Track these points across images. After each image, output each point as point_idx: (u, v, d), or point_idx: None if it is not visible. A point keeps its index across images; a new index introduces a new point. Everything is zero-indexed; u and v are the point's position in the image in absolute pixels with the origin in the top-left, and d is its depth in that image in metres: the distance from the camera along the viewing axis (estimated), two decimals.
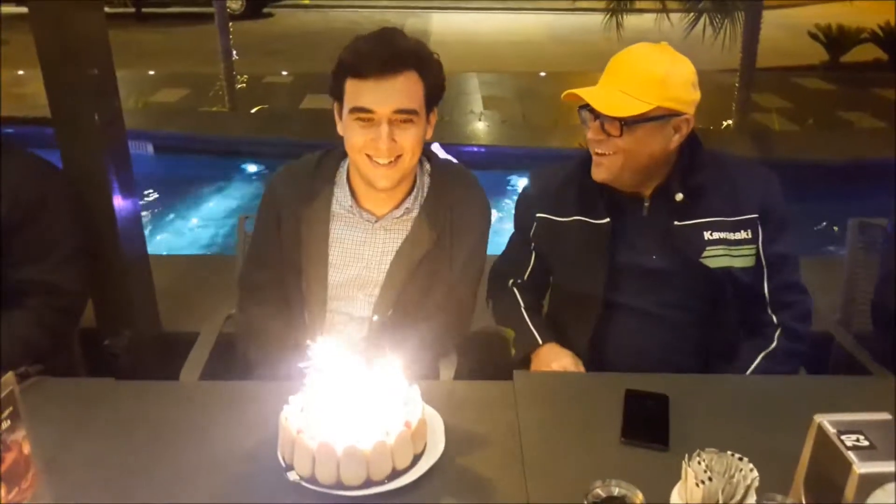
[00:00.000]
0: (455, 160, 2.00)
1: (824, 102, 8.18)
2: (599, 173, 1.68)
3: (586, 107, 1.64)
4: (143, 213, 5.30)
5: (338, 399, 1.27)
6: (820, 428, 1.08)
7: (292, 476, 1.23)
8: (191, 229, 5.37)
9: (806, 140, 6.72)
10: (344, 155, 1.74)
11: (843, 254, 2.21)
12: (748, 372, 1.69)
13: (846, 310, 2.16)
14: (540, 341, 1.79)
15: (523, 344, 1.81)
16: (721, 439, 1.19)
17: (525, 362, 1.80)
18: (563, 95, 1.65)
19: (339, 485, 1.21)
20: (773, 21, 6.10)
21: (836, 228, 4.60)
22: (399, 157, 1.59)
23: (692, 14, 5.93)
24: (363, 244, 1.72)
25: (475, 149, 6.41)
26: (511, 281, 1.94)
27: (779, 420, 1.40)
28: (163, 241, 5.17)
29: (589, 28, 7.03)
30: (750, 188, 1.71)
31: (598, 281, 1.73)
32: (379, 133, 1.55)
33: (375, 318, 1.71)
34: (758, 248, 1.70)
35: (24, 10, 2.14)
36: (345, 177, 1.74)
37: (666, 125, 1.61)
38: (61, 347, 1.92)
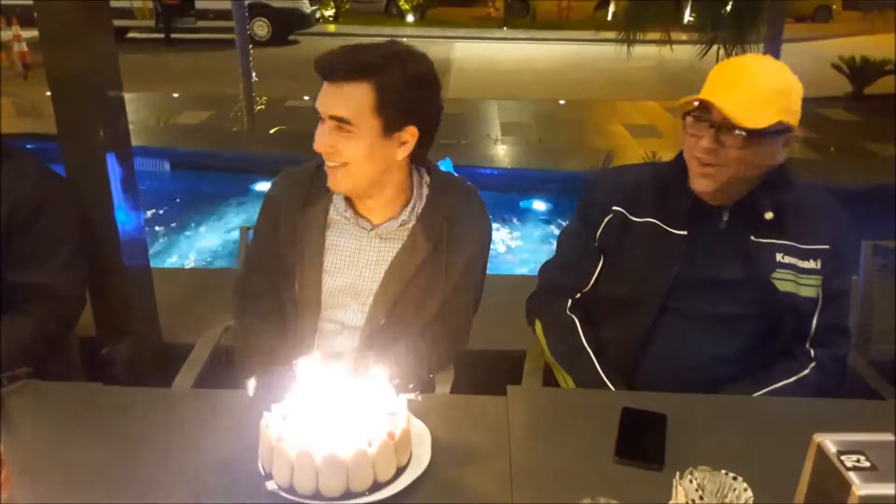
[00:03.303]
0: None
1: (848, 132, 8.13)
2: (705, 185, 1.59)
3: (691, 113, 1.57)
4: (159, 229, 5.37)
5: (321, 408, 1.24)
6: (819, 448, 1.03)
7: (271, 485, 1.19)
8: (203, 244, 5.39)
9: (825, 166, 6.63)
10: None
11: (857, 278, 2.14)
12: (772, 388, 1.63)
13: (861, 334, 2.08)
14: (613, 389, 1.68)
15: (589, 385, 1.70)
16: (719, 460, 1.13)
17: None
18: (682, 100, 1.56)
19: (319, 495, 1.17)
20: (796, 52, 6.03)
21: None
22: (345, 164, 1.57)
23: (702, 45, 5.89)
24: (358, 252, 1.70)
25: (490, 171, 6.38)
26: (570, 302, 1.78)
27: (782, 441, 1.32)
28: (176, 256, 5.19)
29: (612, 57, 7.02)
30: (826, 219, 1.66)
31: (660, 288, 1.66)
32: (317, 134, 1.58)
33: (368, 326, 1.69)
34: (821, 281, 1.64)
35: None
36: None
37: (779, 139, 1.56)
38: (57, 352, 1.90)
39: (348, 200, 1.70)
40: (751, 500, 1.02)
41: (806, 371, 1.65)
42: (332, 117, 1.54)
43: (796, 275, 1.63)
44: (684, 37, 6.91)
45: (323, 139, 1.56)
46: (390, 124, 1.55)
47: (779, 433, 1.39)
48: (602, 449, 1.34)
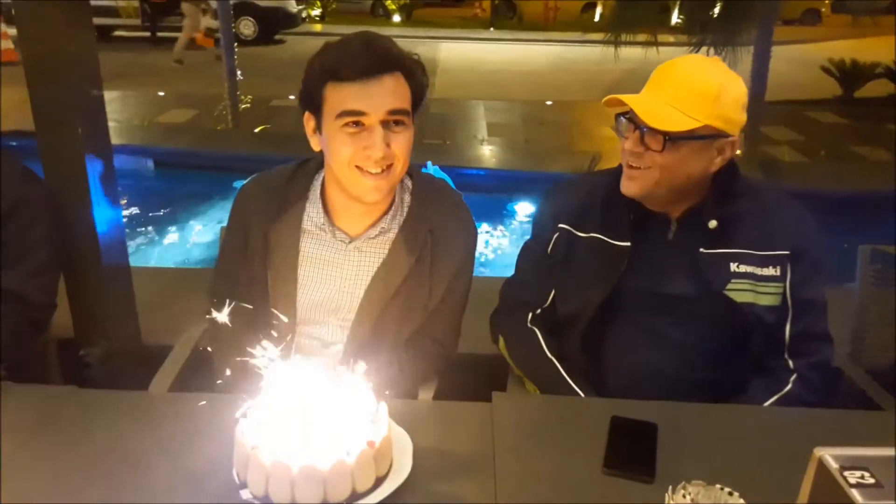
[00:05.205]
0: (449, 179, 1.91)
1: (837, 136, 8.11)
2: (631, 188, 1.56)
3: (625, 115, 1.54)
4: (142, 228, 5.29)
5: (299, 415, 1.18)
6: (821, 462, 0.98)
7: (245, 495, 1.14)
8: (186, 243, 5.32)
9: (814, 171, 6.66)
10: (319, 168, 1.65)
11: (851, 285, 2.09)
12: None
13: (857, 342, 2.03)
14: (582, 394, 1.63)
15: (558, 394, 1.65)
16: (713, 472, 1.09)
17: None
18: (605, 100, 1.54)
19: None
20: (786, 56, 6.05)
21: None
22: (391, 165, 1.48)
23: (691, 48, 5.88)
24: (335, 266, 1.61)
25: (477, 172, 6.35)
26: (530, 315, 1.74)
27: (778, 454, 1.29)
28: (158, 255, 5.12)
29: (597, 59, 6.99)
30: (784, 224, 1.60)
31: (597, 299, 1.61)
32: (372, 140, 1.44)
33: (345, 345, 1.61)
34: (785, 288, 1.58)
35: None
36: (318, 192, 1.63)
37: (710, 145, 1.50)
38: (33, 354, 1.85)
39: (325, 209, 1.61)
40: None
41: (788, 387, 1.59)
42: (393, 111, 1.45)
43: (754, 283, 1.57)
44: (672, 38, 6.89)
45: (380, 143, 1.44)
46: (414, 111, 1.52)
47: (773, 444, 1.35)
48: (590, 458, 1.29)
